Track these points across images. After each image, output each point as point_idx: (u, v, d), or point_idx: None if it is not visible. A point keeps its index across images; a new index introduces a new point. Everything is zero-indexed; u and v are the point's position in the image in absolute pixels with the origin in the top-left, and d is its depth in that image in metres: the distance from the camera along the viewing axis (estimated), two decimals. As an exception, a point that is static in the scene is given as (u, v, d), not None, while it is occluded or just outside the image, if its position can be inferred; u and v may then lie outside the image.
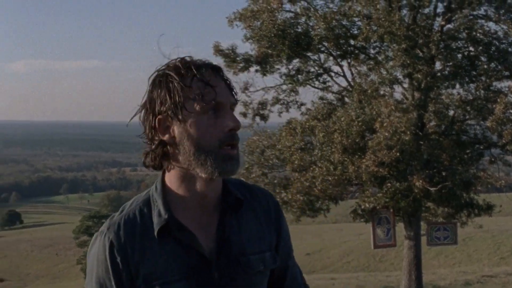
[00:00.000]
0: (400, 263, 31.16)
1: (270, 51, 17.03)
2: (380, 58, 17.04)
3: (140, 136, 1.87)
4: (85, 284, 1.91)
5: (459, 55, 16.82)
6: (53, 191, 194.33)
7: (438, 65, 16.77)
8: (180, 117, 1.78)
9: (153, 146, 1.84)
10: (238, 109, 15.77)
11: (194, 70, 1.78)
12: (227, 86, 1.83)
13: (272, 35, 16.60)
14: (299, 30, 17.39)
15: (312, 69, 18.42)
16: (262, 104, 18.46)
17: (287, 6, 17.35)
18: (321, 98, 18.43)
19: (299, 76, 18.27)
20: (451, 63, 16.50)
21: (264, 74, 17.87)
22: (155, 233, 1.83)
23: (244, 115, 18.44)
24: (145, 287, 1.82)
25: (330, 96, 18.54)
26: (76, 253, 67.83)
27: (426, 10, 16.82)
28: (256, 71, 17.87)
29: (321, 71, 18.35)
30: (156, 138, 1.83)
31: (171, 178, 1.87)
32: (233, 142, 1.79)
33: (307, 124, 16.71)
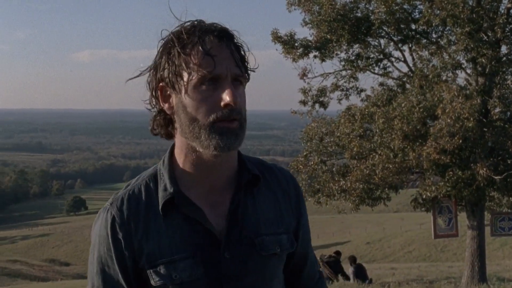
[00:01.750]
0: (462, 253, 30.52)
1: (329, 36, 16.76)
2: (442, 43, 16.56)
3: (144, 101, 1.78)
4: (88, 263, 1.80)
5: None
6: (116, 178, 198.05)
7: (504, 49, 16.21)
8: (176, 87, 1.67)
9: (154, 114, 1.77)
10: (297, 97, 15.51)
11: (196, 36, 1.64)
12: (232, 56, 1.65)
13: (332, 19, 16.33)
14: (359, 14, 17.07)
15: (372, 55, 18.08)
16: (321, 91, 18.20)
17: (347, -11, 17.03)
18: (381, 84, 18.11)
19: (359, 61, 17.95)
20: (518, 47, 15.95)
21: (323, 60, 17.61)
22: (160, 208, 1.72)
23: (303, 102, 18.25)
24: (149, 267, 1.70)
25: (390, 82, 18.22)
26: (138, 239, 68.85)
27: (492, -8, 16.26)
28: (315, 57, 17.63)
29: (381, 56, 18.00)
30: (157, 106, 1.75)
31: (178, 151, 1.76)
32: (228, 119, 1.62)
33: (367, 110, 16.38)
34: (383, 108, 15.83)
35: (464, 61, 16.22)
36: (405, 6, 16.77)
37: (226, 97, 1.60)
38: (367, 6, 17.17)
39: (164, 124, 1.75)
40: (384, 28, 16.89)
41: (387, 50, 17.96)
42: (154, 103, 1.75)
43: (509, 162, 15.63)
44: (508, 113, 16.37)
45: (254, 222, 1.74)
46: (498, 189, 15.83)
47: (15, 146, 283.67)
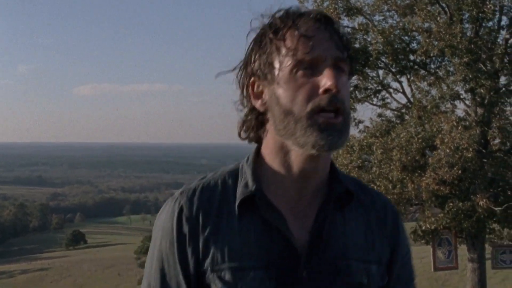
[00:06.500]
0: (464, 287, 30.20)
1: (326, 67, 16.68)
2: (440, 73, 16.52)
3: (235, 102, 1.57)
4: (147, 260, 1.57)
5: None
6: (116, 212, 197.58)
7: (503, 80, 16.17)
8: (268, 77, 1.46)
9: (245, 115, 1.55)
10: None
11: (290, 20, 1.45)
12: (331, 38, 1.43)
13: (329, 50, 16.26)
14: (357, 45, 17.04)
15: (371, 86, 18.02)
16: (319, 122, 18.07)
17: (345, 21, 17.03)
18: (380, 115, 18.01)
19: (357, 92, 17.88)
20: (516, 78, 15.90)
21: (321, 91, 17.54)
22: (236, 205, 1.49)
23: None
24: (212, 270, 1.46)
25: (388, 113, 18.14)
26: (138, 274, 68.52)
27: (490, 23, 16.28)
28: (313, 88, 17.55)
29: (379, 87, 17.94)
30: (248, 104, 1.54)
31: (266, 150, 1.53)
32: (330, 107, 1.39)
33: (365, 141, 16.27)
34: (381, 139, 15.73)
35: (462, 92, 16.18)
36: (403, 37, 16.77)
37: (327, 81, 1.38)
38: (364, 37, 17.16)
39: (255, 125, 1.54)
40: (382, 59, 16.86)
41: (385, 81, 17.92)
42: (245, 102, 1.55)
43: (509, 193, 15.48)
44: (508, 144, 16.25)
45: (341, 242, 1.49)
46: (499, 221, 15.66)
47: (15, 180, 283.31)
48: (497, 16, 16.09)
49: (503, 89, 15.94)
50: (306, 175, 1.48)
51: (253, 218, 1.47)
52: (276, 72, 1.44)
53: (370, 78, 17.88)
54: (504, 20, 16.25)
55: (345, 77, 1.44)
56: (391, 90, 17.94)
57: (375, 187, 15.22)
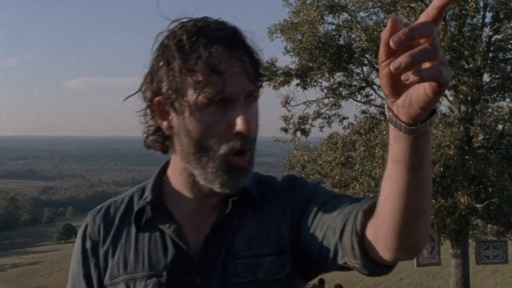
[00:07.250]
0: (452, 281, 30.34)
1: (311, 64, 16.74)
2: (424, 70, 16.56)
3: (138, 112, 1.52)
4: None
5: (508, 67, 16.27)
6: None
7: (486, 77, 16.22)
8: (177, 106, 1.40)
9: (150, 131, 1.51)
10: (279, 124, 15.38)
11: (200, 46, 1.36)
12: (245, 70, 1.38)
13: (313, 47, 16.33)
14: (341, 42, 17.08)
15: (355, 82, 18.06)
16: (303, 119, 18.14)
17: (329, 18, 17.07)
18: (364, 112, 18.05)
19: (341, 89, 17.92)
20: (499, 75, 15.94)
21: (305, 88, 17.59)
22: (132, 217, 1.53)
23: (285, 130, 18.16)
24: (110, 284, 1.49)
25: (373, 110, 18.16)
26: (128, 268, 68.51)
27: (474, 20, 16.31)
28: (297, 85, 17.61)
29: (364, 84, 17.98)
30: (153, 122, 1.49)
31: (172, 168, 1.55)
32: (242, 149, 1.39)
33: (348, 138, 16.32)
34: (364, 136, 15.76)
35: (445, 89, 16.23)
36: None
37: (239, 124, 1.36)
38: (349, 34, 17.19)
39: (161, 140, 1.50)
40: (366, 56, 16.90)
41: (369, 78, 17.96)
42: (149, 117, 1.50)
43: (490, 190, 15.54)
44: (491, 141, 16.32)
45: (232, 244, 1.48)
46: (481, 217, 15.72)
47: (6, 173, 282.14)
48: (481, 13, 16.14)
49: (486, 86, 15.99)
50: (208, 195, 1.50)
51: (150, 229, 1.51)
52: (186, 104, 1.38)
53: (354, 74, 17.93)
54: (488, 17, 16.32)
55: (256, 103, 1.44)
56: (375, 87, 17.99)
57: (357, 184, 15.30)
